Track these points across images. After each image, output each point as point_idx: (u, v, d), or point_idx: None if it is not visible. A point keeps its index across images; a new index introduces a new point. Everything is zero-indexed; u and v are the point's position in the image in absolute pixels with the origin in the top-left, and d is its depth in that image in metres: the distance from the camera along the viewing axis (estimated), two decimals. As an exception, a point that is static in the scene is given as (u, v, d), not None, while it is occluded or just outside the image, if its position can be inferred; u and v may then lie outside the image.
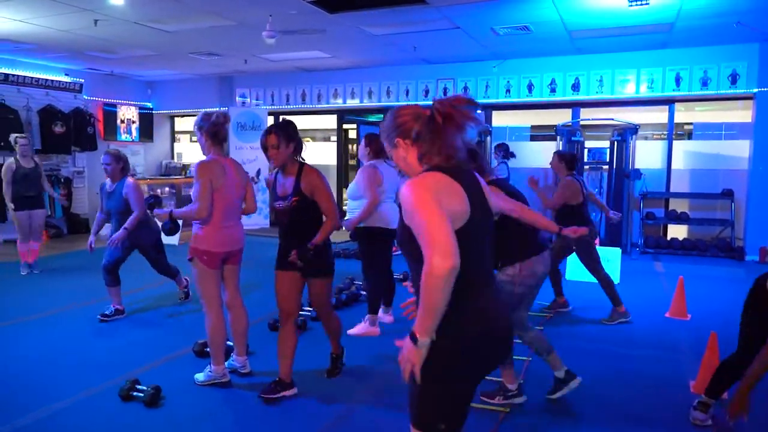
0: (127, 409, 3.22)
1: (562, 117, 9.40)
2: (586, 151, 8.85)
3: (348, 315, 5.12)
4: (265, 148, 3.22)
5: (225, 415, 3.17)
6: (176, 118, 12.93)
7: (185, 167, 11.44)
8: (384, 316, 4.88)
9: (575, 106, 9.26)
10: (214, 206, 3.28)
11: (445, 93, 9.73)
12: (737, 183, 8.57)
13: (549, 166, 5.42)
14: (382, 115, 9.25)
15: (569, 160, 5.07)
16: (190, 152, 12.65)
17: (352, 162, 12.59)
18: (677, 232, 9.12)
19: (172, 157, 12.69)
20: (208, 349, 3.96)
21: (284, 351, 3.37)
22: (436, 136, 1.79)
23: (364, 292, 5.71)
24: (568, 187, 4.92)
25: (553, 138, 9.15)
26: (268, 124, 10.41)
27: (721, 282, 6.62)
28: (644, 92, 8.63)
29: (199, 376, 3.54)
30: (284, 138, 3.20)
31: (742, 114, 8.77)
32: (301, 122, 12.91)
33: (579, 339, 4.43)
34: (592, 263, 4.94)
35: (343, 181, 10.95)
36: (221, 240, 3.37)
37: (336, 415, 3.13)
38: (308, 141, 14.49)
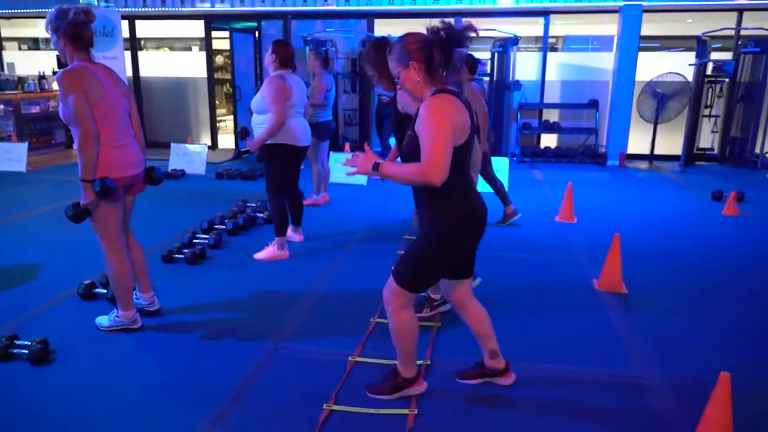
0: (8, 371, 2.72)
1: (444, 27, 9.26)
2: (469, 62, 8.88)
3: (246, 240, 4.79)
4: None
5: (140, 364, 2.79)
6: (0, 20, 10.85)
7: (21, 80, 9.74)
8: (294, 235, 4.63)
9: (457, 15, 9.14)
10: (98, 123, 2.72)
11: (324, -2, 9.09)
12: (602, 94, 9.20)
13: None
14: (255, 23, 8.47)
15: (471, 64, 4.98)
16: (26, 62, 10.80)
17: (219, 75, 11.58)
18: (548, 141, 9.68)
19: (2, 68, 10.74)
20: (97, 291, 3.50)
21: None
22: (447, 61, 2.14)
23: (260, 215, 5.38)
24: (474, 92, 4.87)
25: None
26: (122, 30, 9.12)
27: (592, 185, 7.18)
28: (522, 3, 8.73)
29: (103, 321, 3.08)
30: None
31: (607, 27, 9.26)
32: (159, 29, 11.65)
33: (480, 248, 4.55)
34: (489, 167, 5.18)
35: (214, 96, 10.05)
36: (121, 162, 2.83)
37: (264, 352, 2.91)
38: (165, 50, 13.03)
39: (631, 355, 2.89)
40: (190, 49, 13.76)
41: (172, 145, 8.02)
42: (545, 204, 6.17)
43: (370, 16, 9.34)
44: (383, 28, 9.58)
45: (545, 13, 8.91)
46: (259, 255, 4.32)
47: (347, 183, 7.12)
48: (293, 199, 4.45)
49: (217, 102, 10.16)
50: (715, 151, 9.02)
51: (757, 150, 8.48)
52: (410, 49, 2.14)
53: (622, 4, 8.42)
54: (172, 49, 13.38)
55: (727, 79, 8.64)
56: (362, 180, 7.16)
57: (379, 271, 4.03)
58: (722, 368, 2.65)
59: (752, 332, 3.17)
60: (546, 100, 9.34)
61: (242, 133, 4.34)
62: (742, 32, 8.79)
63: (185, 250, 4.28)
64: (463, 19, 2.06)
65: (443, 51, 2.12)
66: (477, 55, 9.94)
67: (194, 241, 4.62)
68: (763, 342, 3.05)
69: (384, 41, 3.07)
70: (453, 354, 2.84)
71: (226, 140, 10.54)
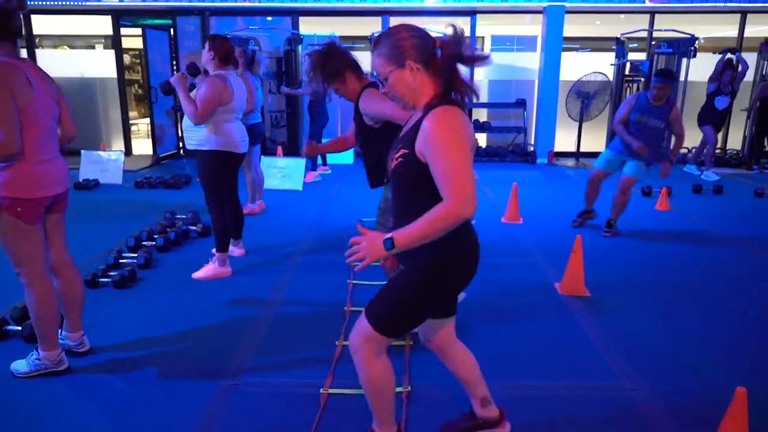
0: None
1: (372, 27, 9.09)
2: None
3: (180, 257, 4.35)
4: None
5: (75, 414, 2.35)
6: None
7: None
8: (234, 249, 4.25)
9: (384, 14, 8.99)
10: (23, 133, 2.26)
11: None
12: (528, 93, 9.37)
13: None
14: (170, 19, 7.87)
15: None
16: None
17: (129, 76, 10.79)
18: (479, 140, 9.74)
19: None
20: (9, 328, 2.98)
21: None
22: (453, 67, 1.71)
23: (193, 227, 4.93)
24: None
25: (365, 49, 8.82)
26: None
27: (526, 184, 7.23)
28: (449, 2, 8.70)
29: (20, 366, 2.58)
30: None
31: (531, 28, 9.44)
32: (58, 25, 10.64)
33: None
34: None
35: (126, 98, 9.28)
36: (42, 180, 2.38)
37: (220, 390, 2.56)
38: (64, 48, 11.96)
39: (610, 364, 2.80)
40: (93, 47, 12.74)
41: (82, 152, 7.27)
42: (487, 204, 6.12)
43: (295, 14, 8.96)
44: (309, 27, 9.24)
45: (472, 13, 8.94)
46: (199, 274, 3.90)
47: (282, 189, 6.75)
48: (233, 209, 4.07)
49: (131, 107, 9.40)
50: (634, 147, 9.43)
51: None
52: (406, 45, 1.71)
53: (546, 4, 8.58)
54: (72, 47, 12.32)
55: (642, 79, 9.05)
56: (297, 185, 6.82)
57: (330, 285, 3.76)
58: (698, 370, 2.64)
59: (713, 329, 3.19)
60: (474, 100, 9.35)
61: (164, 86, 3.77)
62: (655, 34, 9.24)
63: (112, 273, 3.79)
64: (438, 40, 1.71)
65: (448, 62, 1.71)
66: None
67: (121, 261, 4.11)
68: (727, 339, 3.08)
69: (334, 48, 2.81)
70: (433, 377, 2.63)
71: (141, 146, 9.79)
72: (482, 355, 2.25)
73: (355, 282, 3.81)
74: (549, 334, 3.13)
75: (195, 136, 3.75)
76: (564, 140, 9.29)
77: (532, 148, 9.16)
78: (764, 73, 8.81)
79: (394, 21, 9.01)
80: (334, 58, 2.81)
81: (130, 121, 9.65)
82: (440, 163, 1.62)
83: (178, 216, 5.29)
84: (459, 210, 1.59)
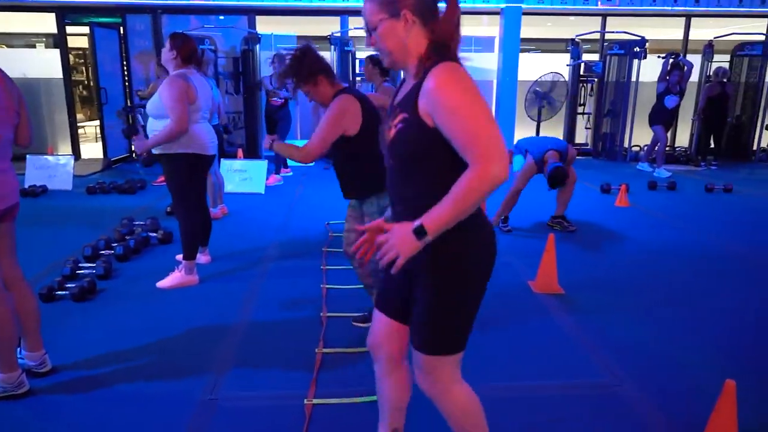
0: None
1: (331, 27, 8.99)
2: (357, 62, 8.70)
3: (141, 265, 4.14)
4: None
5: (31, 438, 2.18)
6: None
7: None
8: (200, 256, 4.07)
9: (343, 14, 8.91)
10: None
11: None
12: (487, 93, 9.46)
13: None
14: (119, 17, 7.59)
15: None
16: None
17: (74, 77, 10.32)
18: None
19: None
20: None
21: None
22: (453, 18, 1.47)
23: (153, 234, 4.72)
24: (389, 93, 4.66)
25: (325, 49, 8.70)
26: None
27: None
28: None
29: (-24, 393, 2.39)
30: None
31: (489, 29, 9.55)
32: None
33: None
34: None
35: (73, 100, 8.86)
36: None
37: (198, 406, 2.43)
38: (2, 47, 11.34)
39: (592, 360, 2.81)
40: (34, 46, 12.15)
41: (28, 157, 6.87)
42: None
43: (252, 13, 8.77)
44: (267, 26, 9.06)
45: (430, 14, 8.94)
46: (164, 283, 3.72)
47: (243, 192, 6.57)
48: (202, 214, 3.90)
49: (77, 110, 8.98)
50: (590, 146, 9.68)
51: (626, 144, 9.22)
52: None
53: (503, 5, 8.69)
54: (10, 46, 11.70)
55: (596, 79, 9.29)
56: (260, 188, 6.65)
57: (304, 291, 3.66)
58: (678, 365, 2.69)
59: (686, 322, 3.26)
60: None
61: (128, 130, 3.66)
62: (607, 36, 9.50)
63: (69, 285, 3.57)
64: None
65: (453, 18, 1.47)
66: (366, 54, 9.81)
67: (78, 272, 3.89)
68: (700, 333, 3.15)
69: (308, 51, 2.78)
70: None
71: (90, 149, 9.36)
72: (465, 356, 2.21)
73: (328, 287, 3.72)
74: (528, 332, 3.13)
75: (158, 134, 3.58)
76: (522, 140, 9.43)
77: (491, 148, 9.25)
78: (708, 74, 9.19)
79: (353, 21, 8.94)
80: (308, 61, 2.78)
81: (78, 124, 9.22)
82: (459, 121, 1.35)
83: (136, 222, 5.05)
84: (495, 171, 1.31)
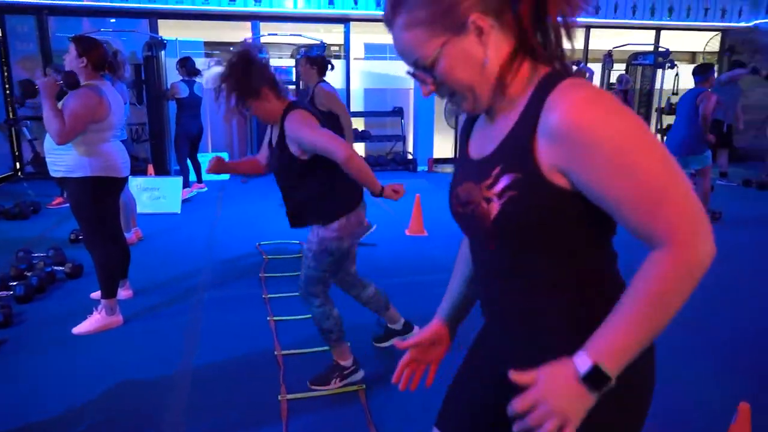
0: None
1: (241, 33, 8.53)
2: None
3: (49, 307, 3.57)
4: None
5: None
6: None
7: None
8: (120, 291, 3.56)
9: (253, 19, 8.48)
10: None
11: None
12: (404, 101, 9.41)
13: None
14: (34, 17, 6.59)
15: (321, 64, 4.48)
16: None
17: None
18: (357, 150, 9.60)
19: None
20: None
21: None
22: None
23: (59, 267, 4.13)
24: (326, 95, 4.41)
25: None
26: None
27: (413, 192, 7.18)
28: (322, 9, 8.44)
29: None
30: None
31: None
32: None
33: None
34: None
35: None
36: None
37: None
38: None
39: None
40: None
41: None
42: (384, 215, 5.94)
43: (153, 16, 8.11)
44: (170, 31, 8.42)
45: (345, 20, 8.75)
46: (81, 328, 3.21)
47: (157, 212, 5.99)
48: (119, 244, 3.42)
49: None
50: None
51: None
52: None
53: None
54: None
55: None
56: (175, 207, 6.10)
57: (249, 324, 3.30)
58: (689, 385, 2.63)
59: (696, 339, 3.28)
60: (351, 109, 9.20)
61: (26, 86, 3.05)
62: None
63: (-40, 339, 2.97)
64: None
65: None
66: (279, 62, 9.43)
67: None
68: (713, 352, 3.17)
69: (251, 59, 2.34)
70: (402, 421, 2.34)
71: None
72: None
73: (276, 319, 3.39)
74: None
75: (63, 161, 3.07)
76: (442, 147, 9.47)
77: (411, 156, 9.21)
78: (609, 81, 9.74)
79: (264, 27, 8.54)
80: (251, 71, 2.34)
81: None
82: (632, 176, 0.84)
83: (36, 254, 4.39)
84: (704, 254, 0.84)
